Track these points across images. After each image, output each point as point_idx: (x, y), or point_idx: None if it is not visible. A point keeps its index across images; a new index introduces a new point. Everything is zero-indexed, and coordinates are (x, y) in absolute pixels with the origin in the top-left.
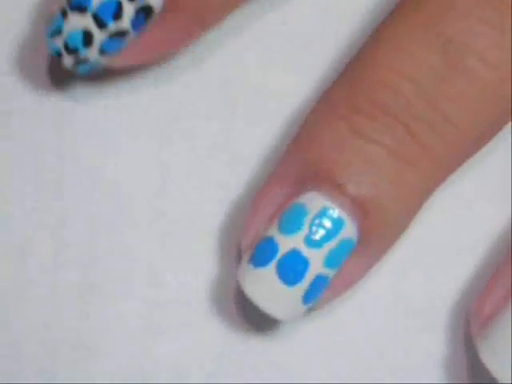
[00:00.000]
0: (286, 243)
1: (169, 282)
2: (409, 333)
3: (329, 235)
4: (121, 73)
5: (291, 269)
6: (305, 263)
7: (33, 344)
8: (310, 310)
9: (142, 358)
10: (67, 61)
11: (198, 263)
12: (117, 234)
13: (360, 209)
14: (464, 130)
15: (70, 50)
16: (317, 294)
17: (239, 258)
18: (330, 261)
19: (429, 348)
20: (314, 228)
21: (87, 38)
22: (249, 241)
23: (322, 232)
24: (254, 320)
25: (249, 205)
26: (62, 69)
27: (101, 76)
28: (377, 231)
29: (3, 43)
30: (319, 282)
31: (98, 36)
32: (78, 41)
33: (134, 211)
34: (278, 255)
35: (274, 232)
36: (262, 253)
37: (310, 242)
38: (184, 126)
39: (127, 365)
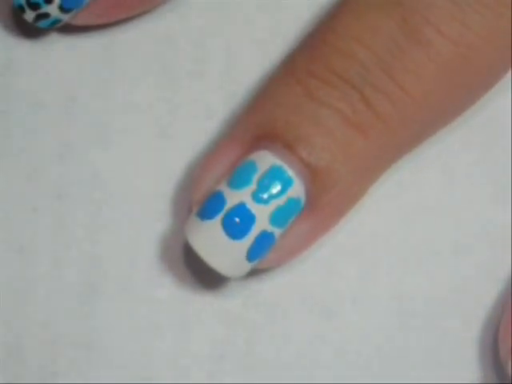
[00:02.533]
0: (233, 197)
1: (170, 282)
2: (409, 333)
3: (276, 192)
4: (120, 73)
5: (237, 222)
6: (251, 218)
7: (33, 344)
8: (254, 268)
9: (142, 358)
10: (29, 15)
11: (199, 263)
12: (117, 234)
13: (308, 170)
14: (419, 102)
15: (32, 4)
16: (261, 252)
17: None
18: (275, 218)
19: (429, 348)
20: (262, 184)
21: None
22: (198, 196)
23: (269, 188)
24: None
25: (201, 161)
26: (62, 68)
27: (101, 76)
28: (324, 195)
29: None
30: (264, 239)
31: None
32: None
33: (134, 211)
34: (225, 208)
35: (223, 187)
36: (209, 206)
37: (257, 197)
38: (184, 125)
39: (127, 365)
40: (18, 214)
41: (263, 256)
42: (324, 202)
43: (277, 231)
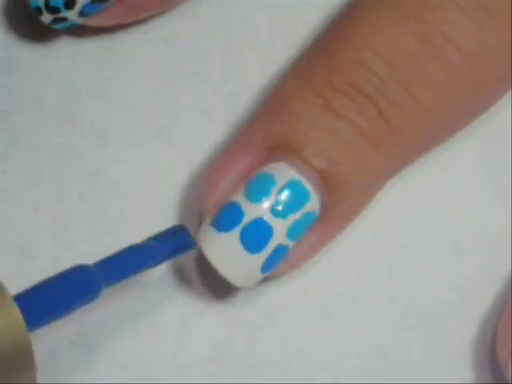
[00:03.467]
0: (252, 211)
1: (170, 282)
2: (409, 333)
3: (294, 207)
4: (120, 73)
5: (255, 237)
6: (269, 232)
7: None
8: (265, 277)
9: (142, 358)
10: (46, 18)
11: (199, 263)
12: (117, 234)
13: (325, 183)
14: (434, 118)
15: (51, 8)
16: (275, 264)
17: (199, 220)
18: (292, 232)
19: (429, 348)
20: (280, 198)
21: (70, 1)
22: (211, 204)
23: (288, 203)
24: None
25: (212, 167)
26: (62, 68)
27: (101, 76)
28: (339, 207)
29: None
30: (279, 252)
31: (81, 0)
32: (61, 2)
33: (134, 211)
34: (243, 222)
35: (240, 198)
36: (226, 218)
37: (276, 211)
38: (184, 125)
39: (127, 365)
40: (18, 214)
41: (276, 267)
42: (337, 214)
43: (291, 244)
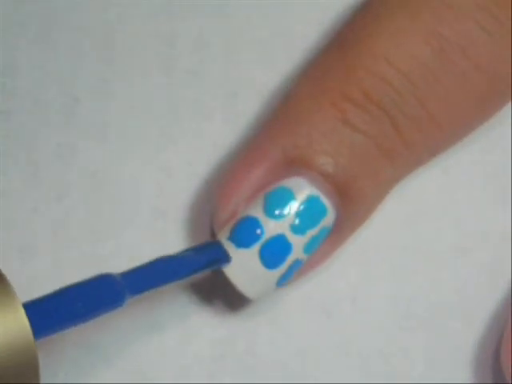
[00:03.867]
0: (271, 227)
1: None
2: (409, 333)
3: (313, 223)
4: (120, 73)
5: (275, 253)
6: (288, 249)
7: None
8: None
9: (142, 358)
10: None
11: None
12: (117, 234)
13: (341, 198)
14: (446, 132)
15: None
16: (290, 277)
17: (212, 232)
18: (309, 247)
19: (429, 348)
20: (299, 215)
21: None
22: (225, 215)
23: (307, 219)
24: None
25: (225, 177)
26: (62, 68)
27: (101, 76)
28: (353, 220)
29: None
30: (295, 266)
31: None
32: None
33: (134, 211)
34: (263, 238)
35: (258, 213)
36: (245, 233)
37: (295, 228)
38: (184, 125)
39: (127, 365)
40: (18, 214)
41: (290, 280)
42: (350, 226)
43: (306, 258)
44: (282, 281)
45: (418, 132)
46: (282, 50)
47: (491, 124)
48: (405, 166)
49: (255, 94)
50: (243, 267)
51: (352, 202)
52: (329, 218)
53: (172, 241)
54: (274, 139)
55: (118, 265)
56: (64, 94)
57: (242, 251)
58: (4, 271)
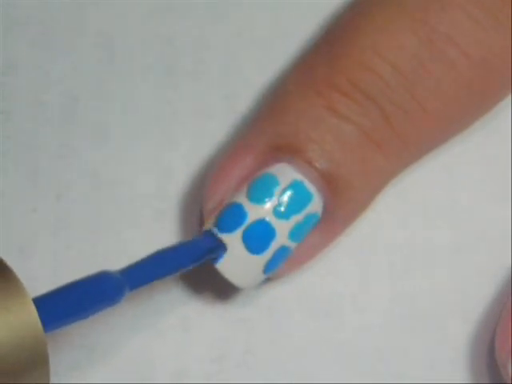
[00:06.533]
0: (254, 212)
1: (169, 282)
2: (409, 333)
3: (297, 208)
4: (120, 73)
5: (258, 238)
6: (271, 233)
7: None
8: (267, 279)
9: (142, 358)
10: None
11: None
12: (117, 234)
13: (328, 185)
14: (437, 120)
15: None
16: (277, 264)
17: (201, 222)
18: (294, 233)
19: (429, 348)
20: (283, 199)
21: None
22: (213, 204)
23: (290, 204)
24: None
25: (213, 167)
26: (62, 68)
27: (101, 76)
28: (341, 209)
29: None
30: (281, 253)
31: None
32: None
33: (134, 211)
34: (246, 223)
35: (242, 199)
36: (229, 219)
37: (278, 212)
38: (184, 125)
39: (127, 365)
40: (18, 213)
41: (278, 268)
42: (339, 216)
43: (293, 245)
44: (270, 268)
45: (408, 121)
46: (281, 51)
47: (491, 123)
48: (398, 157)
49: (255, 94)
50: (227, 253)
51: (338, 189)
52: (315, 205)
53: (172, 241)
54: (261, 129)
55: (118, 265)
56: (64, 94)
57: (226, 236)
58: None
